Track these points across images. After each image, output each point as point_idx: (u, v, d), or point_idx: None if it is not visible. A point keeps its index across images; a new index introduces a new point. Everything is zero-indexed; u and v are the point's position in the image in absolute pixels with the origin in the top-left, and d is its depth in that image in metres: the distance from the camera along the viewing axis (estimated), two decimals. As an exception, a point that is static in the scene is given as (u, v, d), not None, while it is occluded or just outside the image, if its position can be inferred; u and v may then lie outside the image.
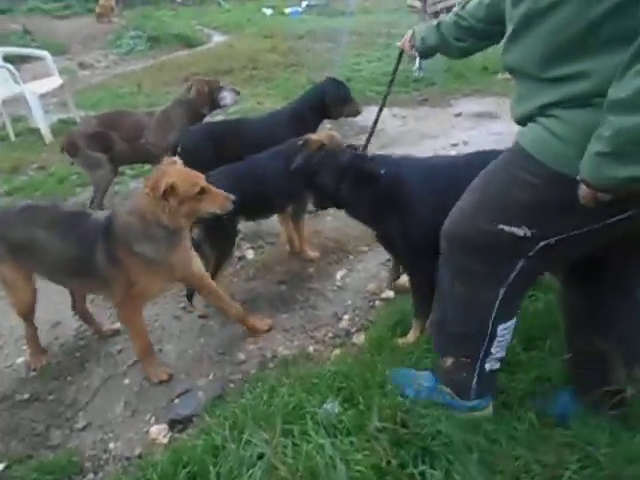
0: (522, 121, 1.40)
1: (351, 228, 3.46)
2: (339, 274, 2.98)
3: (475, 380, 1.63)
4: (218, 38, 13.22)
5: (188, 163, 3.22)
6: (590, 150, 1.13)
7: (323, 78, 3.65)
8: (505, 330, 1.55)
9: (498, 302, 1.47)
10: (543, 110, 1.29)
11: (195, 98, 3.57)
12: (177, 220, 2.05)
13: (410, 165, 2.19)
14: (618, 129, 1.06)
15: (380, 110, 2.77)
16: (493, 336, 1.54)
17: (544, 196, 1.30)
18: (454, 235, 1.53)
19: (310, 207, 3.56)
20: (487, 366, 1.60)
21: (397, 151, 4.92)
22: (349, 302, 2.74)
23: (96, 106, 7.27)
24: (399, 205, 2.06)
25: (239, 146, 3.20)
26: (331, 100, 3.34)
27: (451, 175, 2.00)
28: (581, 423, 1.64)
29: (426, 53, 2.18)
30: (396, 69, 2.60)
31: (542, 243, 1.34)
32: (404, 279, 2.81)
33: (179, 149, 3.25)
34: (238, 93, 3.70)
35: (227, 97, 3.65)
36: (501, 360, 1.63)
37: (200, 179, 2.08)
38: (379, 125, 5.78)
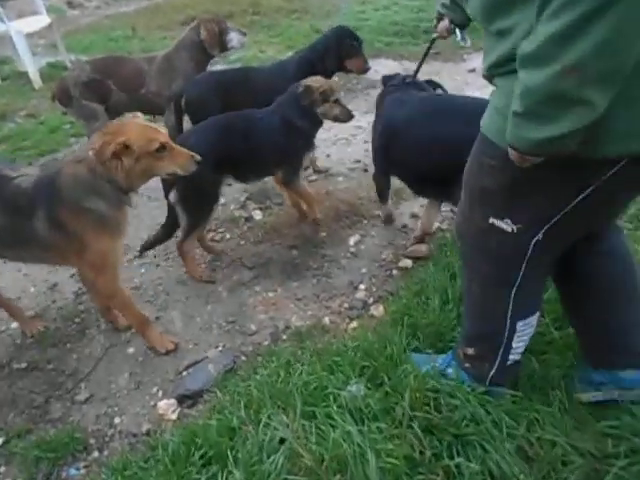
0: (490, 82, 1.27)
1: (363, 189, 3.28)
2: (352, 240, 2.81)
3: (494, 370, 1.59)
4: (215, -21, 12.49)
5: (193, 114, 3.06)
6: (510, 111, 1.05)
7: (328, 27, 3.37)
8: (525, 325, 1.50)
9: (512, 301, 1.43)
10: (492, 71, 1.20)
11: (205, 39, 3.27)
12: (132, 180, 1.84)
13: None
14: (527, 86, 0.97)
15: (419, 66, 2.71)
16: (512, 332, 1.50)
17: (505, 179, 1.24)
18: (461, 235, 1.51)
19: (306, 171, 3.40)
20: (510, 358, 1.56)
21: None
22: (364, 270, 2.59)
23: (87, 50, 6.85)
24: None
25: (247, 96, 2.99)
26: (343, 51, 3.09)
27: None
28: (627, 412, 1.53)
29: (460, 20, 2.15)
30: (426, 54, 2.64)
31: (532, 240, 1.30)
32: (421, 245, 2.67)
33: (183, 100, 3.01)
34: (245, 34, 3.41)
35: (234, 39, 3.36)
36: (524, 352, 1.59)
37: (160, 134, 1.85)
38: (389, 80, 5.53)
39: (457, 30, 2.25)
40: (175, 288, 2.54)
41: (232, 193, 3.26)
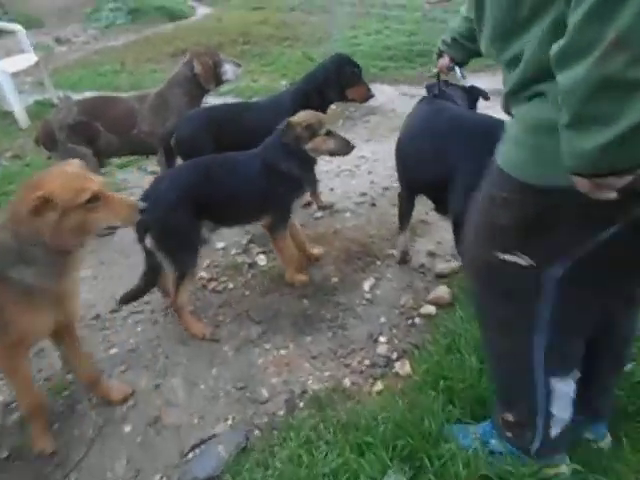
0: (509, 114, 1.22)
1: (373, 226, 3.07)
2: (367, 284, 2.58)
3: (539, 442, 1.38)
4: (203, 10, 12.53)
5: (185, 154, 2.85)
6: (559, 127, 0.90)
7: (320, 54, 3.19)
8: (564, 385, 1.30)
9: (540, 351, 1.25)
10: (508, 101, 1.16)
11: (200, 74, 3.09)
12: (63, 239, 1.56)
13: None
14: (569, 86, 0.83)
15: None
16: (548, 392, 1.30)
17: (520, 213, 1.13)
18: (470, 267, 1.38)
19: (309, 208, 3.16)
20: (552, 430, 1.35)
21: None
22: (383, 319, 2.35)
23: (76, 86, 6.70)
24: None
25: (241, 134, 2.79)
26: (344, 80, 2.91)
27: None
28: None
29: (460, 58, 2.27)
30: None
31: (552, 276, 1.14)
32: (443, 290, 2.45)
33: (173, 140, 2.81)
34: (239, 66, 3.24)
35: (229, 71, 3.19)
36: (571, 421, 1.36)
37: (91, 183, 1.58)
38: (388, 105, 5.38)
39: (456, 67, 2.36)
40: (175, 349, 2.28)
41: (232, 236, 3.04)
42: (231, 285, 2.65)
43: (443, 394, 1.75)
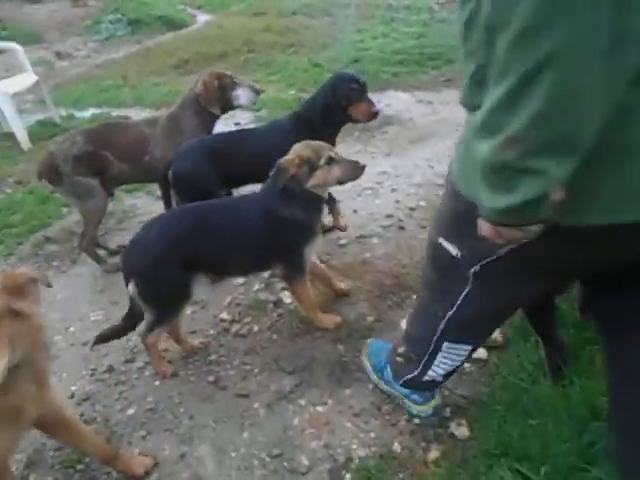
0: None
1: (404, 253, 2.84)
2: (405, 322, 2.34)
3: (411, 375, 1.69)
4: (203, 18, 12.30)
5: (184, 190, 2.55)
6: None
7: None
8: (452, 349, 1.55)
9: (446, 320, 1.48)
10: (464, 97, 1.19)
11: (201, 94, 2.88)
12: None
13: None
14: (479, 156, 0.95)
15: None
16: (438, 348, 1.56)
17: (453, 208, 1.31)
18: (428, 241, 1.54)
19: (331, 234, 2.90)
20: (429, 373, 1.64)
21: (433, 145, 4.26)
22: (429, 365, 2.11)
23: (78, 103, 6.51)
24: None
25: (242, 165, 2.60)
26: (343, 99, 2.63)
27: None
28: None
29: None
30: None
31: (471, 269, 1.31)
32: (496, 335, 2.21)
33: (170, 176, 2.58)
34: (258, 93, 3.00)
35: (242, 96, 2.97)
36: (446, 377, 1.66)
37: None
38: (405, 114, 5.14)
39: None
40: (201, 408, 2.05)
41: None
42: (256, 328, 2.42)
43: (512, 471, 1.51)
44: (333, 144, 2.63)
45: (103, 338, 2.18)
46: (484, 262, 1.26)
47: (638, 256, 1.11)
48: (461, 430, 1.81)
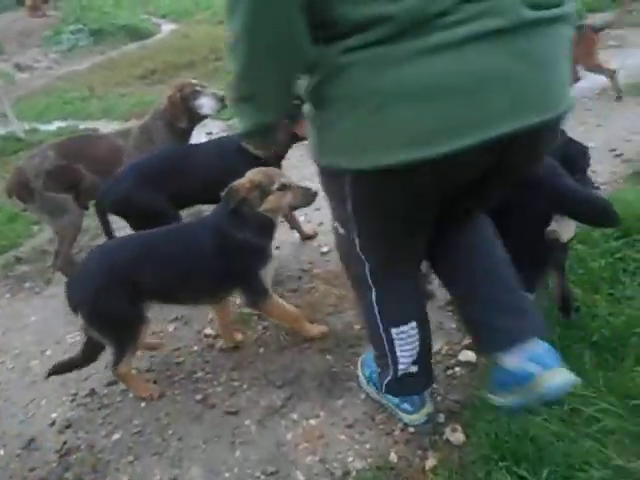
0: None
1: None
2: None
3: (389, 378, 1.70)
4: (168, 27, 12.19)
5: (131, 219, 2.47)
6: None
7: None
8: (402, 333, 1.60)
9: (375, 305, 1.56)
10: None
11: (166, 109, 2.82)
12: None
13: None
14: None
15: None
16: (390, 339, 1.61)
17: (324, 188, 1.45)
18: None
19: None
20: (400, 366, 1.65)
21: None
22: (419, 371, 2.10)
23: (42, 116, 6.34)
24: None
25: (187, 184, 2.50)
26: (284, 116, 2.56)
27: None
28: None
29: None
30: None
31: (355, 241, 1.44)
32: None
33: (107, 203, 2.51)
34: (222, 100, 2.90)
35: (205, 105, 2.88)
36: (416, 364, 1.66)
37: None
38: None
39: None
40: (189, 429, 1.99)
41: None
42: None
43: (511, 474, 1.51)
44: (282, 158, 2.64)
45: (58, 369, 2.11)
46: (356, 230, 1.40)
47: (467, 179, 1.23)
48: (456, 436, 1.79)
